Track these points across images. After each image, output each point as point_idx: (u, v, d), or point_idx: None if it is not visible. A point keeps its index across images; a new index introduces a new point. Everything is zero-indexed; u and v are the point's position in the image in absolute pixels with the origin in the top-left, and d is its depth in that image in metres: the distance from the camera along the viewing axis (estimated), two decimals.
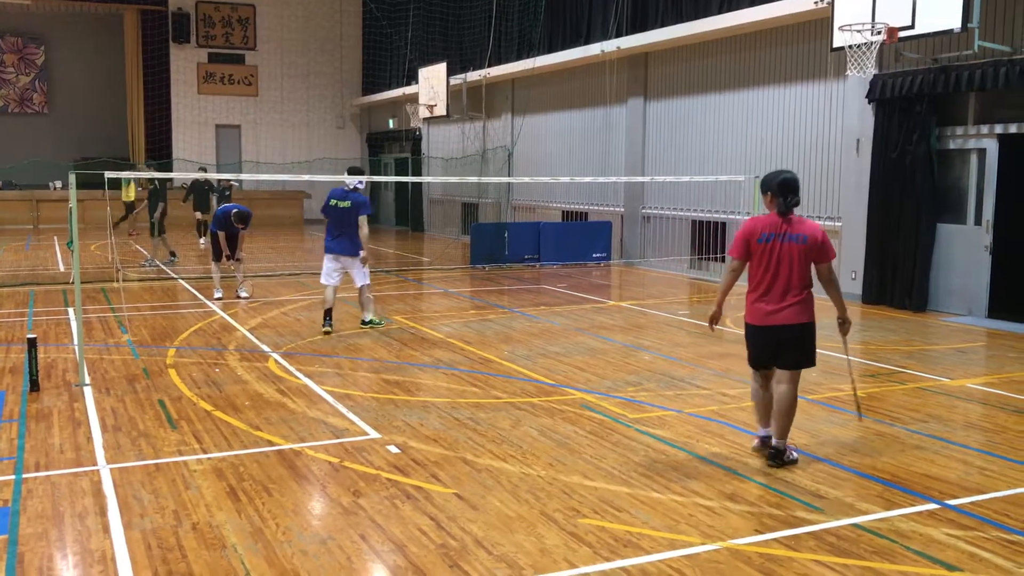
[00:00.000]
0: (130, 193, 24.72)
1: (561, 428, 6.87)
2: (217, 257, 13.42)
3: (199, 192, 21.71)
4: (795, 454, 6.15)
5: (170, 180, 29.22)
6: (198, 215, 21.91)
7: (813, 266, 5.99)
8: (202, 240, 22.09)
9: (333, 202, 10.68)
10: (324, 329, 10.64)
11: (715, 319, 6.30)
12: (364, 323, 11.11)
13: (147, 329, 10.93)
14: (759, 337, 6.07)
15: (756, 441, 6.33)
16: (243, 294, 13.50)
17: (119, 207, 24.43)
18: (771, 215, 6.00)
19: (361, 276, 10.76)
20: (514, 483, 5.67)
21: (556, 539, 4.81)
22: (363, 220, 10.59)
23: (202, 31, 31.85)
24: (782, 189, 5.94)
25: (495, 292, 14.98)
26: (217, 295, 13.34)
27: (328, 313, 10.68)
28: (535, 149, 22.97)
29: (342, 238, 10.63)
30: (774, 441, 6.06)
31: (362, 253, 10.61)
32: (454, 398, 7.80)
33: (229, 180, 21.35)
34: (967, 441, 6.72)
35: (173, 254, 18.35)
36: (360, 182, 10.72)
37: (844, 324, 6.20)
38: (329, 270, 10.72)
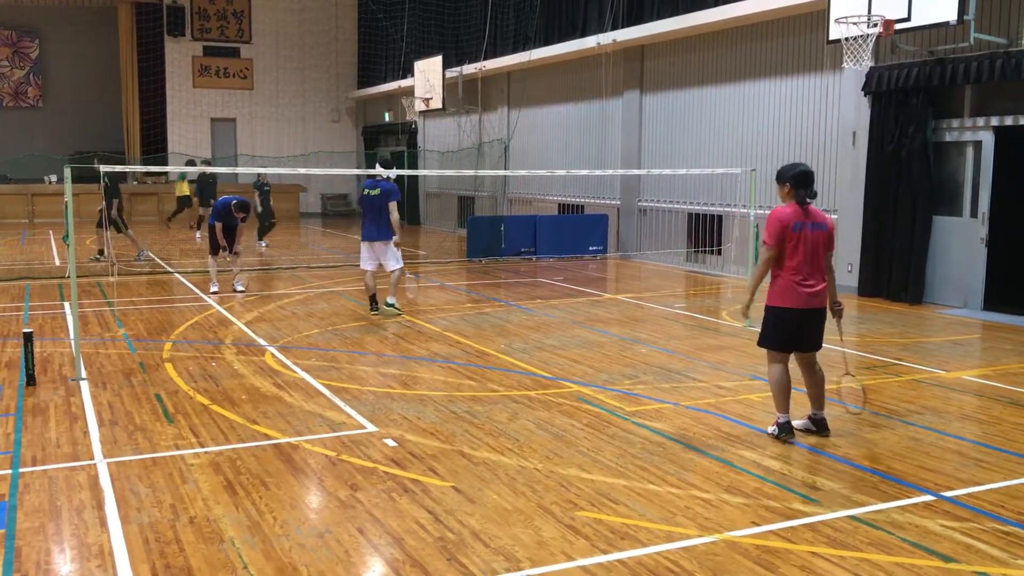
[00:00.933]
0: (184, 188, 24.71)
1: (558, 421, 6.87)
2: (215, 251, 13.39)
3: (203, 186, 21.67)
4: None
5: (164, 174, 29.16)
6: (200, 210, 21.84)
7: None
8: (198, 234, 22.02)
9: (366, 191, 11.25)
10: (373, 313, 11.41)
11: (747, 310, 6.65)
12: (388, 304, 11.45)
13: (143, 323, 10.91)
14: (799, 319, 6.32)
15: (774, 428, 6.49)
16: (239, 288, 13.48)
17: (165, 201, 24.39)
18: (792, 206, 6.33)
19: (393, 261, 11.26)
20: (511, 476, 5.68)
21: (553, 532, 4.82)
22: (393, 206, 11.13)
23: (197, 24, 31.74)
24: (801, 181, 6.32)
25: (491, 285, 14.98)
26: (213, 289, 13.31)
27: (372, 299, 11.43)
28: (531, 142, 22.94)
29: (372, 224, 11.19)
30: (819, 414, 6.56)
31: (395, 237, 11.17)
32: (451, 391, 7.81)
33: (267, 175, 21.11)
34: (963, 433, 6.74)
35: (102, 252, 17.05)
36: (391, 174, 11.37)
37: (838, 306, 6.58)
38: (366, 256, 11.34)
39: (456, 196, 26.86)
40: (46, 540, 4.71)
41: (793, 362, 6.58)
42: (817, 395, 6.57)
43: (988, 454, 6.22)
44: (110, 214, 16.17)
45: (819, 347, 6.50)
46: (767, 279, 6.50)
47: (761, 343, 6.55)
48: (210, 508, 5.13)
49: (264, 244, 20.83)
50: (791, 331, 6.37)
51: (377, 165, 11.46)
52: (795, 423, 6.57)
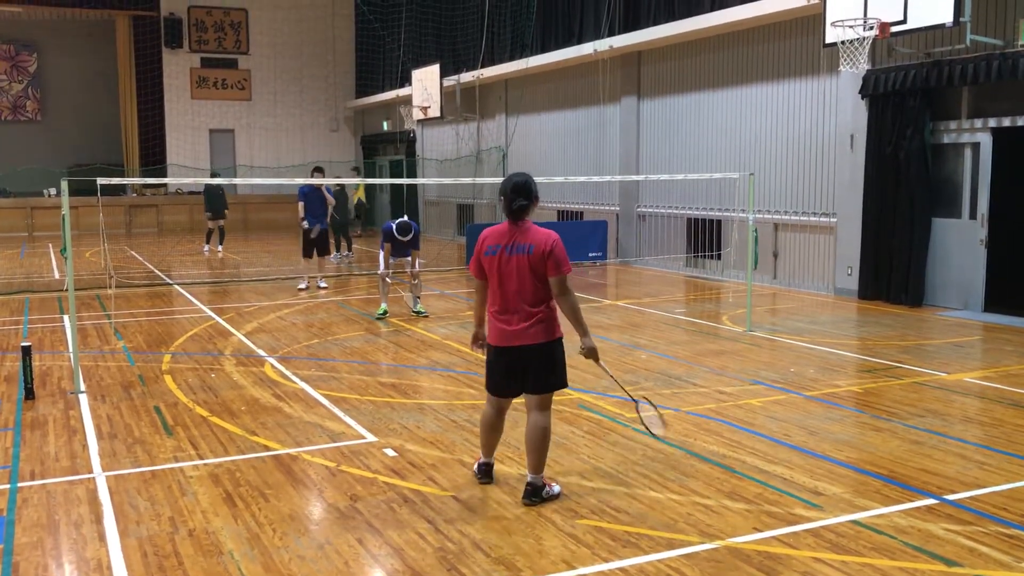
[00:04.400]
0: (360, 193, 24.77)
1: (558, 428, 6.84)
2: (307, 253, 14.87)
3: (213, 198, 21.60)
4: (555, 488, 5.48)
5: (164, 186, 29.15)
6: (211, 223, 21.80)
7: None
8: (206, 247, 21.99)
9: (397, 236, 11.72)
10: (419, 312, 12.34)
11: (476, 339, 5.71)
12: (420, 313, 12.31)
13: (142, 335, 10.90)
14: (499, 359, 5.44)
15: (475, 469, 5.78)
16: (322, 284, 15.17)
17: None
18: (503, 224, 5.44)
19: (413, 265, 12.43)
20: (512, 484, 5.65)
21: (554, 540, 4.80)
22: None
23: (194, 36, 31.80)
24: (514, 192, 5.37)
25: None
26: (315, 284, 15.08)
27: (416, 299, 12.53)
28: (529, 149, 22.95)
29: (403, 250, 12.18)
30: (531, 477, 5.35)
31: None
32: (451, 400, 7.78)
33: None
34: (965, 436, 6.71)
35: None
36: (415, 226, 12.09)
37: (586, 352, 5.47)
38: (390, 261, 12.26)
39: (455, 204, 26.87)
40: (44, 555, 4.69)
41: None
42: (529, 450, 5.37)
43: (990, 456, 6.19)
44: None
45: (540, 390, 5.38)
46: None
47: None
48: (209, 521, 5.10)
49: (337, 257, 20.22)
50: (495, 371, 5.47)
51: (405, 216, 12.37)
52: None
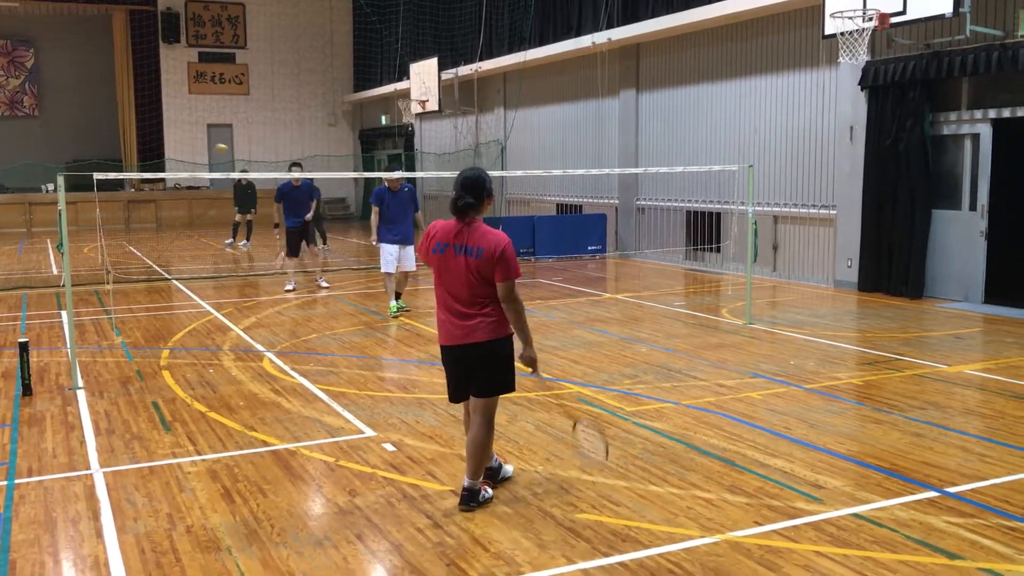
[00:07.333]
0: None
1: (558, 423, 6.82)
2: (294, 252, 13.91)
3: (240, 193, 21.68)
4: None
5: (162, 181, 29.04)
6: (238, 217, 21.85)
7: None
8: (228, 241, 22.03)
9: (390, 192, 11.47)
10: (403, 311, 11.76)
11: None
12: (402, 308, 11.83)
13: (141, 331, 10.87)
14: (445, 357, 5.31)
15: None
16: (323, 284, 14.44)
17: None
18: (453, 220, 5.22)
19: (410, 262, 11.61)
20: (511, 479, 5.62)
21: (554, 535, 4.77)
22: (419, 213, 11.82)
23: (192, 30, 31.72)
24: (463, 188, 5.17)
25: None
26: (289, 287, 14.01)
27: (398, 295, 11.82)
28: (528, 142, 22.91)
29: (403, 227, 11.51)
30: (467, 483, 5.14)
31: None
32: None
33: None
34: (966, 428, 6.69)
35: None
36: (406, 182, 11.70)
37: (526, 361, 5.19)
38: (391, 259, 11.50)
39: None
40: (41, 552, 4.66)
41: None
42: (468, 455, 5.16)
43: (992, 449, 6.17)
44: None
45: (484, 393, 5.17)
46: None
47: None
48: (207, 517, 5.08)
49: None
50: (448, 373, 5.31)
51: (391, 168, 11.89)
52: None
